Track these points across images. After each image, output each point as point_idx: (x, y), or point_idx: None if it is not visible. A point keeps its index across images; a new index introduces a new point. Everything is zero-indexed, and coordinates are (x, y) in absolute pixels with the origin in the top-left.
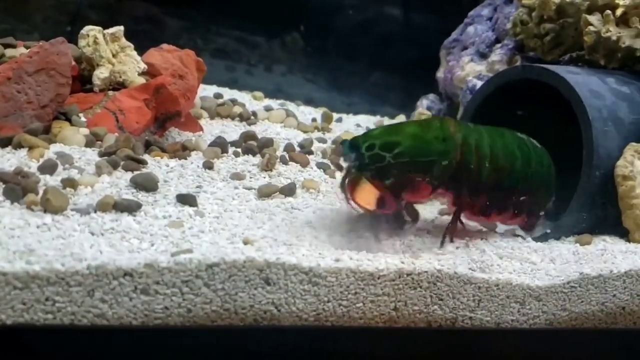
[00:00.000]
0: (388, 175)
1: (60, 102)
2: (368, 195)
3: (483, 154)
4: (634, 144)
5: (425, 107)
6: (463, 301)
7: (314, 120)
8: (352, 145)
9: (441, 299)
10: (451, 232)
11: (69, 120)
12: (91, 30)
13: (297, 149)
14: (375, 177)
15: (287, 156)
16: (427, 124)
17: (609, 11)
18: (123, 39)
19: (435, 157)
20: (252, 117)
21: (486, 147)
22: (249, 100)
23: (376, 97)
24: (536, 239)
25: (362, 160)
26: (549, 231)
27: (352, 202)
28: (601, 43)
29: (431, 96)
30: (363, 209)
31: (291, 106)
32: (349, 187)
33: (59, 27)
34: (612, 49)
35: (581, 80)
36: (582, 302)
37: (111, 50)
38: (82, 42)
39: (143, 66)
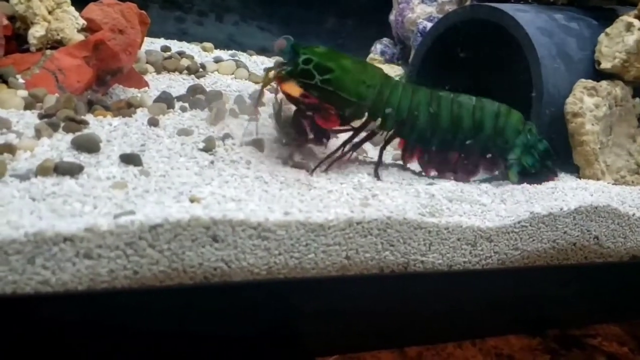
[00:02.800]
0: (310, 91)
1: None
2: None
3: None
4: (583, 80)
5: (379, 51)
6: (414, 246)
7: (266, 70)
8: (293, 49)
9: (392, 245)
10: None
11: (5, 82)
12: None
13: (248, 101)
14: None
15: (237, 109)
16: (363, 66)
17: None
18: None
19: (354, 99)
20: (201, 70)
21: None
22: (198, 52)
23: (332, 44)
24: (481, 181)
25: (295, 70)
26: (496, 173)
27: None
28: None
29: (385, 40)
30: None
31: (243, 57)
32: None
33: None
34: None
35: (529, 18)
36: (533, 240)
37: (46, 7)
38: (13, 0)
39: (82, 22)
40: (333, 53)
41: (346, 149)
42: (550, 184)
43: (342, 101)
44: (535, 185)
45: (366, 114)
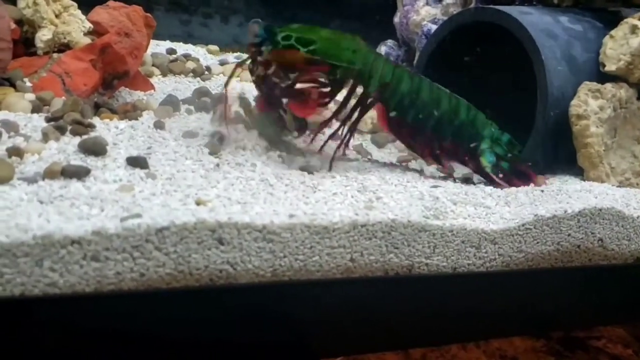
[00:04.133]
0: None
1: (3, 68)
2: None
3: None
4: (587, 82)
5: (383, 53)
6: (418, 248)
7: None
8: (267, 30)
9: (396, 248)
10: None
11: (13, 85)
12: None
13: (252, 103)
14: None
15: (242, 112)
16: (340, 34)
17: None
18: None
19: (344, 63)
20: (207, 72)
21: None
22: (203, 55)
23: None
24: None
25: (276, 46)
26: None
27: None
28: None
29: (390, 42)
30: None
31: None
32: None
33: None
34: None
35: (534, 20)
36: (537, 243)
37: (53, 11)
38: (21, 3)
39: (89, 25)
40: (308, 27)
41: (341, 120)
42: (555, 185)
43: (331, 67)
44: (530, 184)
45: (352, 81)
